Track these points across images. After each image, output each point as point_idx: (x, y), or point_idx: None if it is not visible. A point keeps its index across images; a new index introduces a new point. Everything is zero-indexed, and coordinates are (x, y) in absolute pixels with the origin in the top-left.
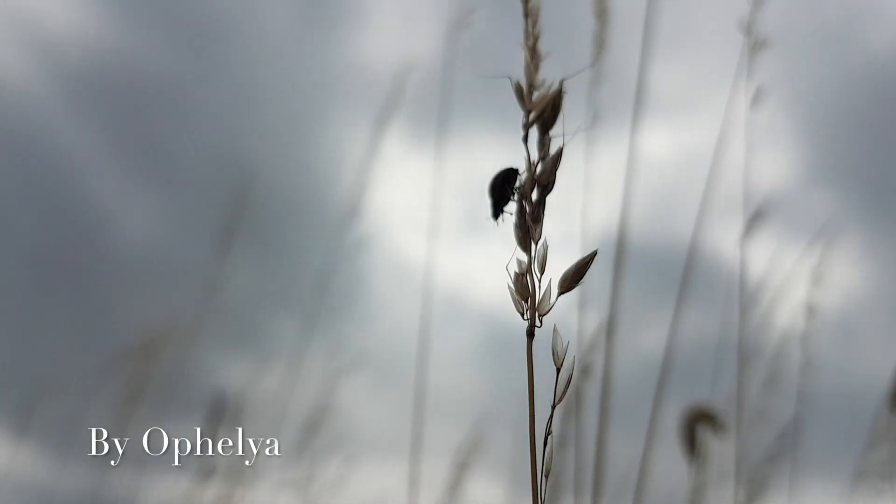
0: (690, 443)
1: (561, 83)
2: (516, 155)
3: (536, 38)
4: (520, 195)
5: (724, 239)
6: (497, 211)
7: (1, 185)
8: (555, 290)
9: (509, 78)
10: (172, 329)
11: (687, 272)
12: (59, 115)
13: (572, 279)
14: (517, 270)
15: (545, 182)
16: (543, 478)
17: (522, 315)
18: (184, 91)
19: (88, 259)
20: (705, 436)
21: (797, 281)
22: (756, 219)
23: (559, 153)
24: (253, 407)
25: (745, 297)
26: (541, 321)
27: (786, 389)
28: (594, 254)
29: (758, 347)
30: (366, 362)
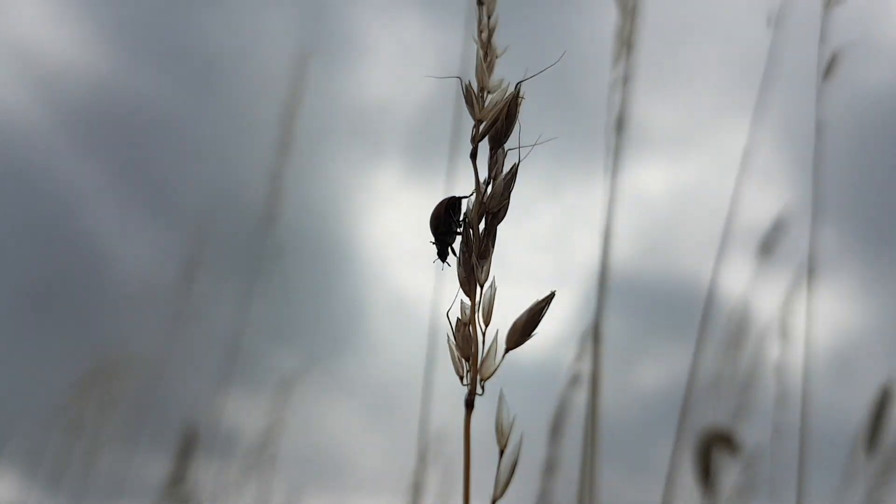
0: (705, 469)
1: (518, 86)
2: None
3: (492, 31)
4: (465, 225)
5: (722, 275)
6: (443, 249)
7: None
8: (501, 347)
9: (458, 78)
10: (140, 356)
11: (705, 311)
12: (58, 147)
13: (523, 331)
14: (459, 318)
15: (495, 208)
16: None
17: (462, 378)
18: (182, 125)
19: (81, 290)
20: (721, 460)
21: (793, 317)
22: (753, 255)
23: (513, 172)
24: (233, 438)
25: (739, 332)
26: (482, 387)
27: (778, 423)
28: (551, 296)
29: (751, 382)
30: (361, 396)
